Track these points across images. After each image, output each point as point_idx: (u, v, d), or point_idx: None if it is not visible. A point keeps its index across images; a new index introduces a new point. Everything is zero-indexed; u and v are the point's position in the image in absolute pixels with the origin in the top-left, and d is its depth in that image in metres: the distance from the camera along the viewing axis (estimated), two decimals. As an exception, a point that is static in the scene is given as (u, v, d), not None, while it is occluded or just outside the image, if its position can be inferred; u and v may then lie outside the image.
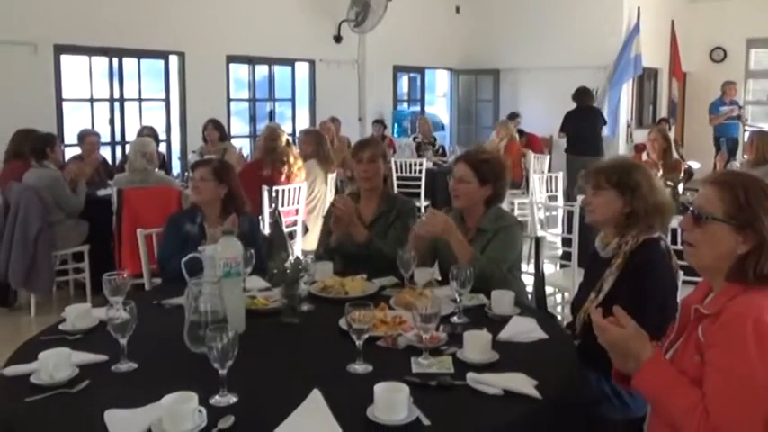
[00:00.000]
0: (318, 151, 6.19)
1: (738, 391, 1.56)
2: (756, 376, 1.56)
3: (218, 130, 7.18)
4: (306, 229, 5.77)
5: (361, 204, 3.36)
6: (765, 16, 11.20)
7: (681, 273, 2.58)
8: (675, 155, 6.03)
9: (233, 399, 1.74)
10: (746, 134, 8.49)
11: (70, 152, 6.56)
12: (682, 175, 5.56)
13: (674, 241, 3.01)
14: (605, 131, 10.28)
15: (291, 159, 5.69)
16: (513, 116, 10.16)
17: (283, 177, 5.60)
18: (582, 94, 8.91)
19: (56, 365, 1.85)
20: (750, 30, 11.58)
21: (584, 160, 7.81)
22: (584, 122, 8.69)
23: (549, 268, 4.70)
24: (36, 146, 5.19)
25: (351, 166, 3.44)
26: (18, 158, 5.43)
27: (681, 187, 5.32)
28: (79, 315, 2.31)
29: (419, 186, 7.54)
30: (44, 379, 1.83)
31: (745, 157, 5.85)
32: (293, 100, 9.86)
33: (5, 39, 6.50)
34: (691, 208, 1.76)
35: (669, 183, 5.14)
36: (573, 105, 8.99)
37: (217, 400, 1.72)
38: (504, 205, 3.39)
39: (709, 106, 10.41)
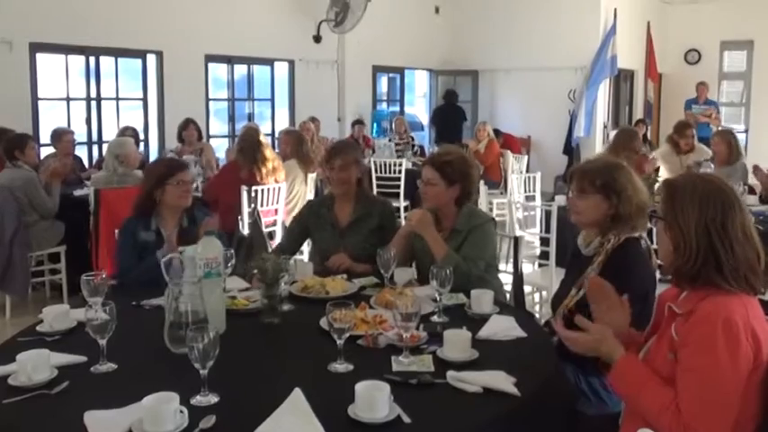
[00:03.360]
0: (298, 151, 6.18)
1: (709, 390, 1.60)
2: (726, 375, 1.59)
3: (197, 130, 7.15)
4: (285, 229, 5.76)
5: (336, 207, 3.37)
6: (739, 19, 11.39)
7: (657, 272, 2.63)
8: (643, 150, 6.12)
9: (214, 399, 1.74)
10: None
11: (46, 152, 6.48)
12: (655, 173, 5.64)
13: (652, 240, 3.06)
14: (582, 132, 10.43)
15: (265, 160, 5.66)
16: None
17: (259, 177, 5.57)
18: (450, 94, 10.72)
19: (34, 367, 1.84)
20: (724, 32, 11.76)
21: None
22: (449, 117, 10.42)
23: (527, 268, 4.74)
24: (6, 147, 5.13)
25: (324, 169, 3.45)
26: (-9, 158, 5.36)
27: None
28: (57, 316, 2.29)
29: (398, 186, 7.56)
30: (22, 381, 1.82)
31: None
32: (272, 100, 9.83)
33: (-21, 37, 6.41)
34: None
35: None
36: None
37: (198, 400, 1.72)
38: (483, 205, 3.43)
39: (685, 104, 10.58)
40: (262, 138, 5.79)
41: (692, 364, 1.63)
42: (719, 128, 10.27)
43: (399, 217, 6.85)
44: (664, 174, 6.15)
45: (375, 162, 7.70)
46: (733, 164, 5.66)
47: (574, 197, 2.50)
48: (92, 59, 7.58)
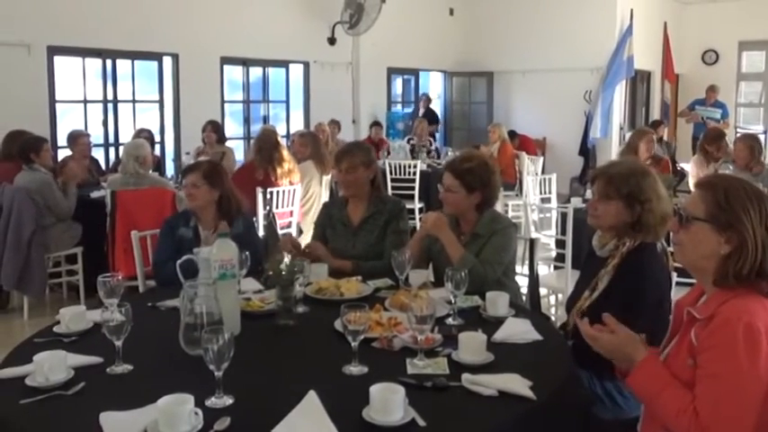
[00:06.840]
0: (314, 153, 6.21)
1: (728, 395, 1.58)
2: (746, 381, 1.57)
3: (216, 132, 7.15)
4: (300, 231, 5.77)
5: (350, 207, 3.37)
6: (757, 19, 11.27)
7: (674, 274, 2.60)
8: (660, 153, 6.07)
9: (229, 400, 1.74)
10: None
11: (63, 154, 6.53)
12: (672, 175, 5.58)
13: (669, 243, 3.02)
14: (599, 133, 10.37)
15: (282, 161, 5.68)
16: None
17: (274, 178, 5.59)
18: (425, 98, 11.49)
19: (51, 367, 1.85)
20: (742, 32, 11.65)
21: None
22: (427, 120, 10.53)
23: (542, 270, 4.71)
24: (21, 150, 5.18)
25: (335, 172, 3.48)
26: (9, 160, 5.41)
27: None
28: (74, 317, 2.31)
29: (413, 188, 7.54)
30: (39, 381, 1.83)
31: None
32: (287, 102, 9.86)
33: (-2, 40, 6.49)
34: (677, 209, 1.79)
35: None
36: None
37: (213, 401, 1.73)
38: (498, 207, 3.40)
39: (690, 103, 10.47)
40: (279, 139, 5.83)
41: (711, 369, 1.61)
42: (738, 131, 10.18)
43: (414, 219, 6.85)
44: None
45: (390, 164, 7.69)
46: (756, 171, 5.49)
47: (595, 200, 2.45)
48: (108, 62, 7.65)
